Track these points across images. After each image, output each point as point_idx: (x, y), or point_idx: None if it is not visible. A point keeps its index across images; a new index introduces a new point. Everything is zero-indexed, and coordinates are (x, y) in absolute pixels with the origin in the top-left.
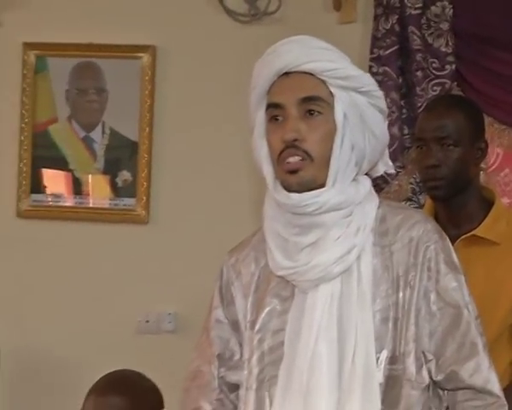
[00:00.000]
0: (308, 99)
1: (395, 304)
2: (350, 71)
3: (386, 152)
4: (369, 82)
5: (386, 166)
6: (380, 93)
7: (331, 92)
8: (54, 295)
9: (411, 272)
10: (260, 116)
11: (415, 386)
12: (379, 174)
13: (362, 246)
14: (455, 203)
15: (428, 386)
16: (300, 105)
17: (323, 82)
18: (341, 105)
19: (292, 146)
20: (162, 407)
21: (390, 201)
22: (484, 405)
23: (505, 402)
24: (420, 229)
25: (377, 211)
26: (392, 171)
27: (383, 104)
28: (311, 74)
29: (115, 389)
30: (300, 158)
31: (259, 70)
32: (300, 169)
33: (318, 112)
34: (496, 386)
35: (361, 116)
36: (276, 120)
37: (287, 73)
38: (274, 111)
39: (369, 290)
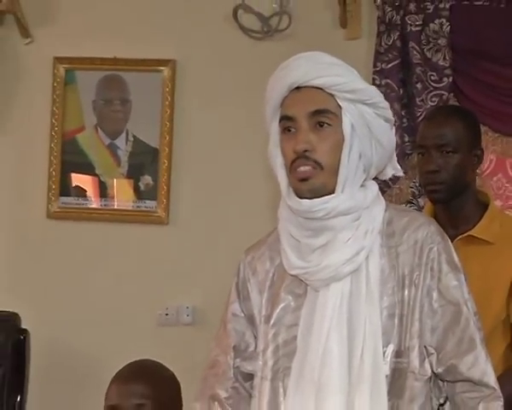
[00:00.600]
0: (318, 112)
1: (401, 301)
2: (356, 84)
3: (395, 157)
4: (374, 94)
5: (394, 170)
6: (385, 104)
7: (339, 105)
8: (80, 290)
9: (416, 272)
10: (275, 127)
11: (418, 378)
12: (387, 177)
13: (370, 247)
14: (453, 206)
15: (430, 378)
16: (311, 118)
17: (332, 95)
18: (349, 117)
19: (303, 156)
20: (180, 395)
21: (396, 205)
22: (480, 396)
23: (500, 394)
24: (424, 231)
25: (384, 214)
26: (401, 174)
27: (389, 114)
28: (321, 89)
29: (137, 378)
30: (311, 167)
31: (273, 85)
32: (311, 177)
33: (327, 124)
34: (492, 379)
35: (368, 126)
36: (289, 131)
37: (298, 88)
38: (286, 123)
39: (376, 289)
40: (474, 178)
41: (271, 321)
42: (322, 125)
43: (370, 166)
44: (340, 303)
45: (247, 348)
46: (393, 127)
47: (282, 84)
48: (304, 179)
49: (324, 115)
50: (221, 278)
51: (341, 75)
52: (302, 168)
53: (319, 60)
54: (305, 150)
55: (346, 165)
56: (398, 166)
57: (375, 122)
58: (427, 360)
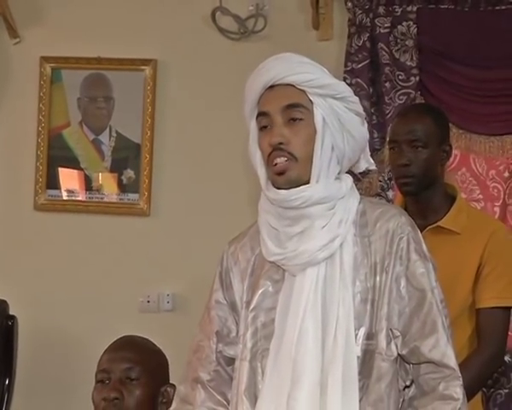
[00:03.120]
0: (290, 106)
1: (373, 287)
2: (325, 80)
3: (367, 151)
4: (343, 89)
5: (368, 164)
6: (355, 98)
7: (310, 100)
8: (66, 279)
9: (387, 260)
10: (253, 125)
11: (385, 358)
12: (361, 170)
13: (344, 236)
14: (423, 198)
15: (397, 359)
16: (284, 112)
17: (303, 91)
18: (320, 111)
19: (278, 149)
20: (167, 368)
21: (369, 197)
22: (441, 377)
23: (459, 374)
24: (395, 222)
25: (358, 206)
26: (374, 167)
27: (359, 108)
28: (293, 86)
29: (127, 346)
30: (286, 159)
31: (250, 85)
32: (287, 170)
33: (300, 118)
34: (452, 360)
35: (339, 120)
36: (266, 128)
37: (272, 86)
38: (262, 120)
39: (349, 274)
40: (443, 172)
41: (251, 306)
42: (294, 120)
43: (343, 158)
44: (315, 287)
45: (229, 334)
46: (365, 122)
47: (258, 83)
48: (281, 173)
49: (296, 110)
50: (200, 267)
51: (311, 72)
52: (278, 160)
53: (290, 59)
54: (280, 143)
55: (319, 156)
56: (372, 160)
57: (346, 116)
58: (392, 341)
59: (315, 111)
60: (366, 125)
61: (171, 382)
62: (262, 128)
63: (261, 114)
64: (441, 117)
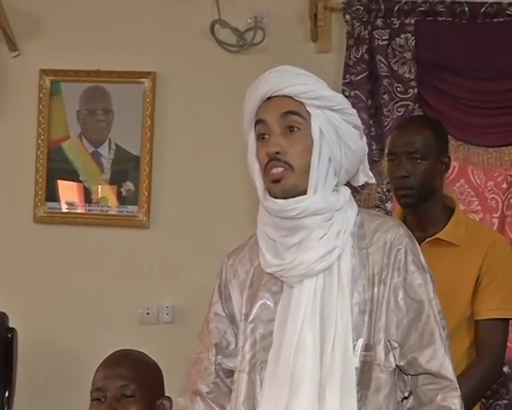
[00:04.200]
0: (288, 113)
1: (371, 299)
2: (323, 92)
3: (366, 164)
4: (341, 101)
5: (367, 177)
6: (352, 111)
7: (308, 112)
8: (66, 291)
9: (385, 271)
10: (251, 136)
11: (383, 370)
12: (360, 184)
13: (342, 248)
14: (421, 210)
15: (395, 371)
16: (282, 120)
17: (302, 103)
18: (317, 122)
19: (275, 158)
20: (162, 381)
21: (368, 209)
22: (439, 388)
23: (457, 385)
24: (393, 233)
25: (356, 218)
26: (373, 181)
27: (357, 121)
28: (291, 97)
29: (121, 362)
30: (282, 169)
31: (248, 96)
32: (283, 178)
33: (297, 128)
34: (449, 371)
35: (336, 132)
36: (263, 138)
37: (270, 98)
38: (260, 128)
39: (347, 286)
40: (442, 184)
41: (250, 318)
42: (292, 130)
43: (340, 170)
44: (313, 298)
45: (228, 346)
46: (364, 136)
47: (256, 95)
48: (276, 181)
49: (294, 118)
50: (199, 279)
51: (308, 84)
52: (275, 170)
53: (287, 71)
54: (277, 152)
55: (316, 167)
56: (371, 174)
57: (343, 128)
58: (391, 353)
59: (312, 122)
60: (365, 138)
61: (168, 394)
62: (260, 138)
63: (259, 122)
64: (440, 129)
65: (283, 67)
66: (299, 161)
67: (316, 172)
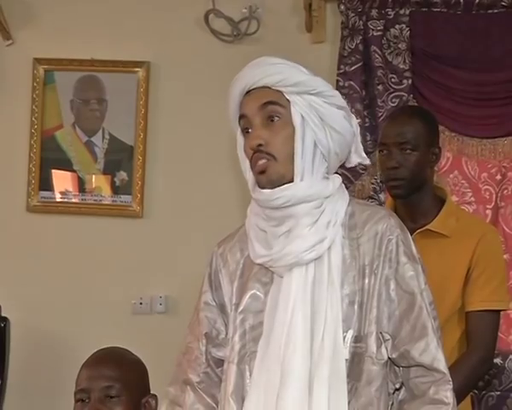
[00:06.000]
0: (266, 103)
1: (361, 290)
2: (298, 77)
3: (360, 145)
4: (319, 84)
5: (360, 158)
6: (334, 92)
7: (288, 100)
8: (59, 281)
9: (375, 262)
10: (239, 132)
11: (375, 362)
12: (353, 165)
13: (332, 238)
14: (412, 201)
15: (387, 363)
16: (261, 111)
17: (280, 92)
18: (298, 108)
19: (258, 151)
20: (147, 378)
21: (359, 199)
22: (431, 381)
23: (450, 378)
24: (384, 224)
25: (347, 208)
26: (367, 162)
27: (339, 101)
28: (268, 87)
29: (105, 362)
30: (265, 160)
31: (230, 93)
32: (267, 169)
33: (277, 117)
34: (442, 364)
35: (319, 115)
36: (248, 132)
37: (249, 92)
38: (243, 123)
39: (338, 277)
40: (432, 175)
41: (240, 308)
42: (272, 120)
43: (329, 154)
44: (303, 288)
45: (218, 336)
46: (352, 115)
47: (235, 91)
48: (262, 172)
49: (273, 108)
50: (192, 269)
51: (283, 72)
52: (259, 162)
53: (263, 63)
54: (259, 145)
55: (300, 154)
56: (364, 154)
57: (326, 110)
58: (383, 345)
59: (292, 109)
60: (354, 118)
61: (160, 384)
62: (244, 133)
63: (241, 117)
64: (430, 119)
65: (259, 59)
66: (281, 150)
67: (301, 159)
